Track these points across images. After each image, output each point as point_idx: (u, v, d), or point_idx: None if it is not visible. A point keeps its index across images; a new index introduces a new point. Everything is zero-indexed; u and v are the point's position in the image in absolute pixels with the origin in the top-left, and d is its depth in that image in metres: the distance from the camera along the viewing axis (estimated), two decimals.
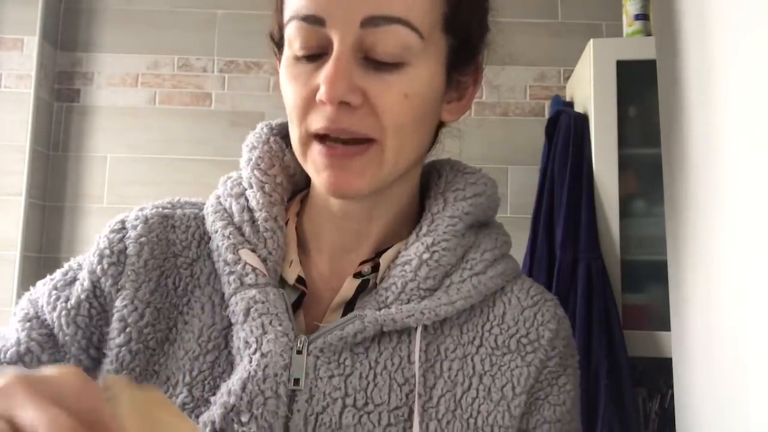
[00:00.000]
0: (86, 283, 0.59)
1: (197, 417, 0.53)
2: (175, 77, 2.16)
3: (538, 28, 2.11)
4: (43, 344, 0.57)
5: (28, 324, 0.58)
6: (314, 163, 0.55)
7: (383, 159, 0.54)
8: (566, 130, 1.72)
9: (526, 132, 2.08)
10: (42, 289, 0.61)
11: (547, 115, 2.01)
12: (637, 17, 1.77)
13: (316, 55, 0.53)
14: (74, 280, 0.61)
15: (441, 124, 0.64)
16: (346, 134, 0.53)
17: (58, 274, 0.62)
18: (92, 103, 2.16)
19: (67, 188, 2.12)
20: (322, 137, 0.54)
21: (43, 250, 2.09)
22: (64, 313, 0.58)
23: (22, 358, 0.56)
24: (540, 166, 1.84)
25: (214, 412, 0.52)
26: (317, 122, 0.53)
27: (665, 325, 1.16)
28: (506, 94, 2.10)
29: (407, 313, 0.55)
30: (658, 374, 1.69)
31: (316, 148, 0.54)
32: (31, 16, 2.06)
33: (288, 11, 0.55)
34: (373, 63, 0.52)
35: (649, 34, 1.72)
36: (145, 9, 2.19)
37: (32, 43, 2.06)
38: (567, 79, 2.07)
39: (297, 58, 0.54)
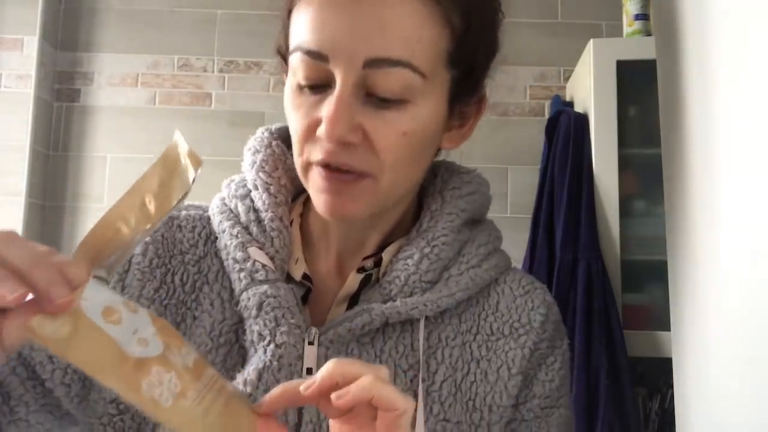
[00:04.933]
0: None
1: None
2: (175, 77, 2.16)
3: (538, 28, 2.11)
4: None
5: None
6: (314, 184, 0.57)
7: (378, 189, 0.56)
8: (566, 130, 1.72)
9: (526, 132, 2.08)
10: None
11: (547, 115, 2.01)
12: (637, 17, 1.77)
13: (318, 85, 0.54)
14: None
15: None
16: (343, 168, 0.55)
17: None
18: (92, 103, 2.16)
19: (67, 188, 2.12)
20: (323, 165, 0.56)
21: None
22: None
23: None
24: (540, 166, 1.84)
25: None
26: (317, 154, 0.55)
27: (665, 325, 1.16)
28: (506, 94, 2.10)
29: (411, 306, 0.58)
30: (658, 374, 1.69)
31: (317, 170, 0.56)
32: (31, 16, 2.06)
33: (293, 39, 0.56)
34: (375, 100, 0.53)
35: (649, 34, 1.72)
36: (145, 9, 2.19)
37: (32, 43, 2.06)
38: (567, 79, 2.07)
39: (300, 88, 0.55)
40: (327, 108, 0.52)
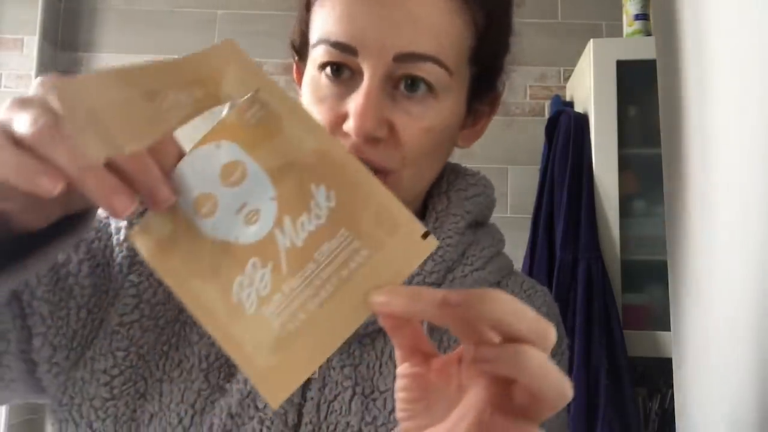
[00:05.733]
0: (102, 244, 0.58)
1: (213, 403, 0.54)
2: None
3: (538, 28, 2.11)
4: (41, 277, 0.54)
5: None
6: None
7: (401, 187, 0.55)
8: (566, 130, 1.72)
9: (526, 132, 2.08)
10: None
11: (547, 115, 2.01)
12: (637, 17, 1.77)
13: (342, 68, 0.54)
14: (93, 233, 0.58)
15: None
16: (367, 164, 0.54)
17: None
18: None
19: None
20: None
21: None
22: (85, 259, 0.56)
23: None
24: (540, 166, 1.84)
25: (230, 398, 0.53)
26: None
27: (665, 325, 1.17)
28: (506, 94, 2.10)
29: None
30: (658, 374, 1.69)
31: None
32: (31, 16, 2.06)
33: (317, 31, 0.55)
34: (404, 89, 0.53)
35: (649, 34, 1.72)
36: (145, 9, 2.19)
37: (32, 43, 2.06)
38: (567, 79, 2.07)
39: (323, 80, 0.55)
40: (355, 102, 0.52)
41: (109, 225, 0.59)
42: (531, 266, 1.72)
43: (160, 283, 0.57)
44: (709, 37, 0.71)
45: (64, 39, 2.19)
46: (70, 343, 0.55)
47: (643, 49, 1.60)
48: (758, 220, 0.59)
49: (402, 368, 0.38)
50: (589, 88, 1.70)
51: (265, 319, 0.34)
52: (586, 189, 1.67)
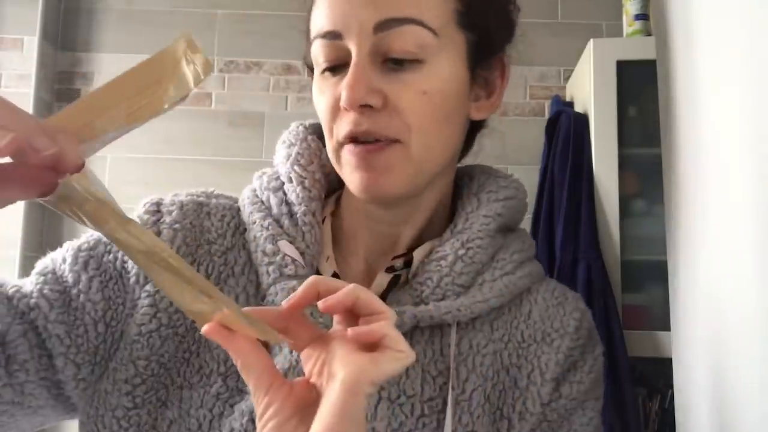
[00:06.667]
0: (111, 257, 0.58)
1: (232, 406, 0.54)
2: None
3: (538, 28, 2.11)
4: (53, 302, 0.55)
5: (42, 278, 0.57)
6: (345, 165, 0.57)
7: (409, 156, 0.55)
8: (566, 130, 1.72)
9: (526, 132, 2.08)
10: (66, 249, 0.59)
11: (547, 115, 2.01)
12: (637, 17, 1.77)
13: (339, 66, 0.56)
14: (103, 247, 0.59)
15: (476, 127, 0.66)
16: (371, 136, 0.55)
17: (83, 239, 0.60)
18: None
19: None
20: (351, 140, 0.56)
21: (43, 249, 2.09)
22: (95, 276, 0.57)
23: (29, 312, 0.55)
24: (540, 166, 1.84)
25: (251, 402, 0.52)
26: (343, 129, 0.55)
27: (665, 325, 1.16)
28: (506, 94, 2.10)
29: (445, 310, 0.57)
30: (658, 374, 1.69)
31: (346, 149, 0.56)
32: (31, 16, 2.06)
33: (312, 34, 0.58)
34: (392, 65, 0.54)
35: (649, 34, 1.72)
36: (145, 9, 2.19)
37: (32, 43, 2.06)
38: (567, 79, 2.07)
39: (323, 74, 0.57)
40: (345, 78, 0.54)
41: None
42: None
43: None
44: (700, 36, 0.71)
45: (64, 39, 2.18)
46: (93, 357, 0.56)
47: (643, 49, 1.60)
48: (756, 219, 0.59)
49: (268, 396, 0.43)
50: (589, 88, 1.70)
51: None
52: (586, 189, 1.67)
